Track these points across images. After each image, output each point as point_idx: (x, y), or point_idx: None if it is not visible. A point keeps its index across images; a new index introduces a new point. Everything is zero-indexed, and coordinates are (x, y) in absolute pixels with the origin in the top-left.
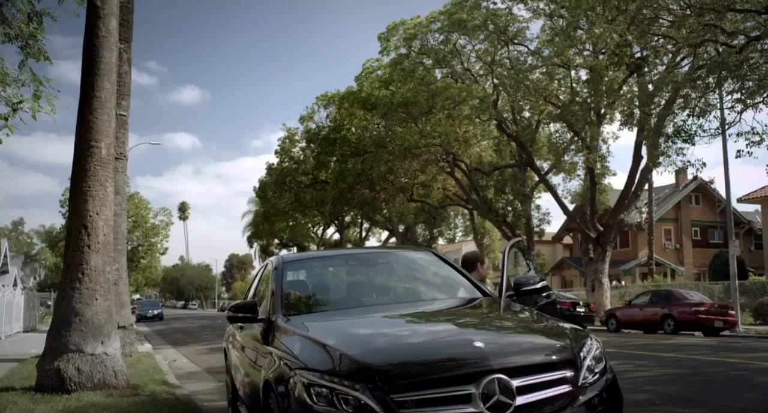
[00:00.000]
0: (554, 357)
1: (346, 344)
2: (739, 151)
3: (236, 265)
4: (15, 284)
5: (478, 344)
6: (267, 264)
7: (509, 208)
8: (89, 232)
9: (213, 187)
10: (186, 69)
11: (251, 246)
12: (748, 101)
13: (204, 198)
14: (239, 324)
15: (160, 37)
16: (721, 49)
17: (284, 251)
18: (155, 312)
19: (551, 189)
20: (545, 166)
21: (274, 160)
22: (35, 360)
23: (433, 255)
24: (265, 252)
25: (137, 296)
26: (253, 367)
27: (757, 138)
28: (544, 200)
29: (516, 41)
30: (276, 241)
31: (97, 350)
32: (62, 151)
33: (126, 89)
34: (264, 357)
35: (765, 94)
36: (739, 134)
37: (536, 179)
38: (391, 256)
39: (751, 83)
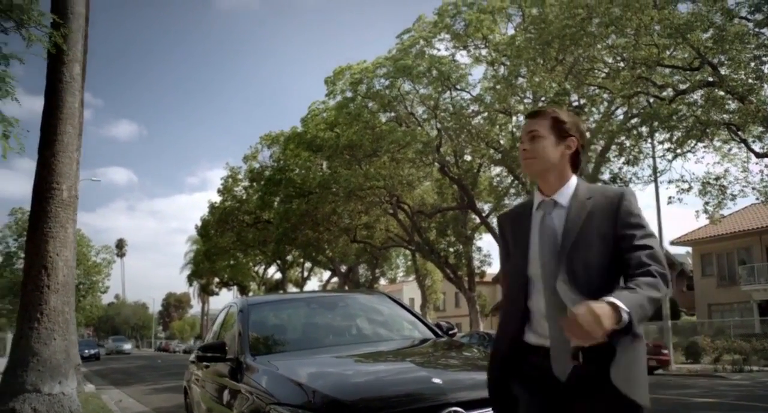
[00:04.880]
0: None
1: (316, 380)
2: (670, 197)
3: (173, 304)
4: None
5: (436, 380)
6: (231, 306)
7: (451, 249)
8: (49, 272)
9: (147, 224)
10: (121, 102)
11: (191, 285)
12: (678, 151)
13: (138, 235)
14: (205, 363)
15: (94, 69)
16: (652, 101)
17: (224, 291)
18: (92, 351)
19: (492, 231)
20: (486, 208)
21: (211, 198)
22: None
23: (388, 298)
24: (205, 291)
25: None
26: (221, 404)
27: (686, 186)
28: (486, 242)
29: (459, 87)
30: (216, 280)
31: (54, 390)
32: None
33: (79, 129)
34: (234, 395)
35: (692, 144)
36: (670, 182)
37: (477, 221)
38: (349, 299)
39: (679, 134)
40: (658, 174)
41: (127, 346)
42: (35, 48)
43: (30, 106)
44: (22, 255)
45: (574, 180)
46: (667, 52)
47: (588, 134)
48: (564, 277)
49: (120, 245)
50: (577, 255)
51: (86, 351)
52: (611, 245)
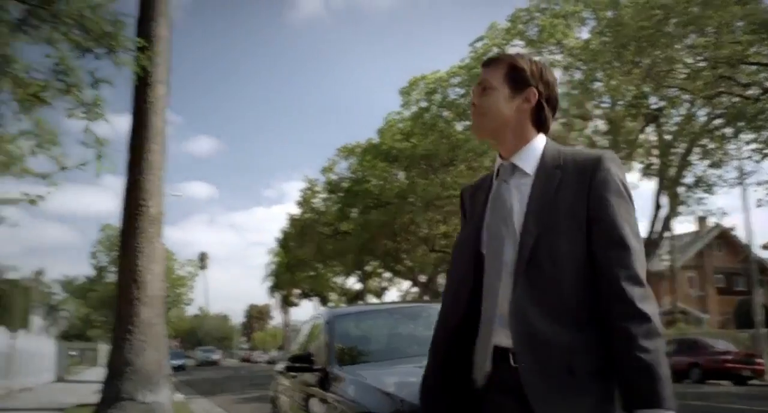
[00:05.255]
0: None
1: (403, 389)
2: (759, 200)
3: (255, 315)
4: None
5: None
6: (316, 318)
7: None
8: (139, 286)
9: (227, 237)
10: (200, 118)
11: (272, 296)
12: (766, 151)
13: (219, 248)
14: (293, 373)
15: (173, 87)
16: (736, 100)
17: (305, 302)
18: (179, 362)
19: None
20: None
21: (289, 210)
22: (77, 410)
23: None
24: (286, 302)
25: None
26: None
27: None
28: None
29: None
30: (297, 291)
31: (147, 398)
32: (81, 201)
33: (163, 148)
34: (323, 404)
35: None
36: (758, 184)
37: None
38: (431, 310)
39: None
40: (745, 176)
41: (216, 356)
42: (122, 71)
43: (114, 124)
44: (113, 269)
45: (540, 140)
46: (752, 49)
47: (669, 137)
48: (524, 279)
49: (203, 258)
50: (543, 244)
51: (173, 362)
52: (585, 230)
